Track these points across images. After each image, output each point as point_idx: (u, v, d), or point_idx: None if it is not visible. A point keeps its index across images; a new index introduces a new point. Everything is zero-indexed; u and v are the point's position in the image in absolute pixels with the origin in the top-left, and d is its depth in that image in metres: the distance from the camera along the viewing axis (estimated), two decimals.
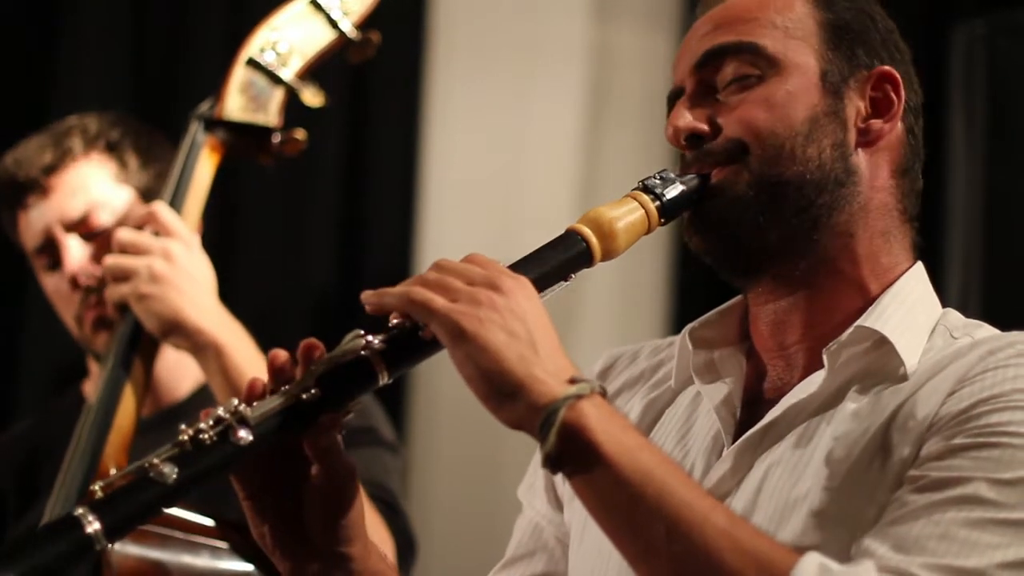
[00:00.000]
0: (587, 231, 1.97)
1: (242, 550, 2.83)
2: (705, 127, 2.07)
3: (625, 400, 2.24)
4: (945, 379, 1.94)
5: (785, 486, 1.97)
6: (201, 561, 2.79)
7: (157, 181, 3.18)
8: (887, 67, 2.11)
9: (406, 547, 3.04)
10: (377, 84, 4.60)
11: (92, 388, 3.27)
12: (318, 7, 2.97)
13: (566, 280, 1.96)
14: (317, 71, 3.02)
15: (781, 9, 2.11)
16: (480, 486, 4.67)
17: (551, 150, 4.83)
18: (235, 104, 2.96)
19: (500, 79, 4.84)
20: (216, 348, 2.84)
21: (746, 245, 2.06)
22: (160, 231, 2.88)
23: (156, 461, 1.78)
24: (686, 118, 2.08)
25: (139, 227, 2.91)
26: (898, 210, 2.12)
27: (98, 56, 4.54)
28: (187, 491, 1.80)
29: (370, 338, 1.85)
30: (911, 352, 2.01)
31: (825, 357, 2.01)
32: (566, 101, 4.83)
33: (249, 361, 2.86)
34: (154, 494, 1.77)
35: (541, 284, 1.91)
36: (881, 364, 2.01)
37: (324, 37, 2.99)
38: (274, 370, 1.91)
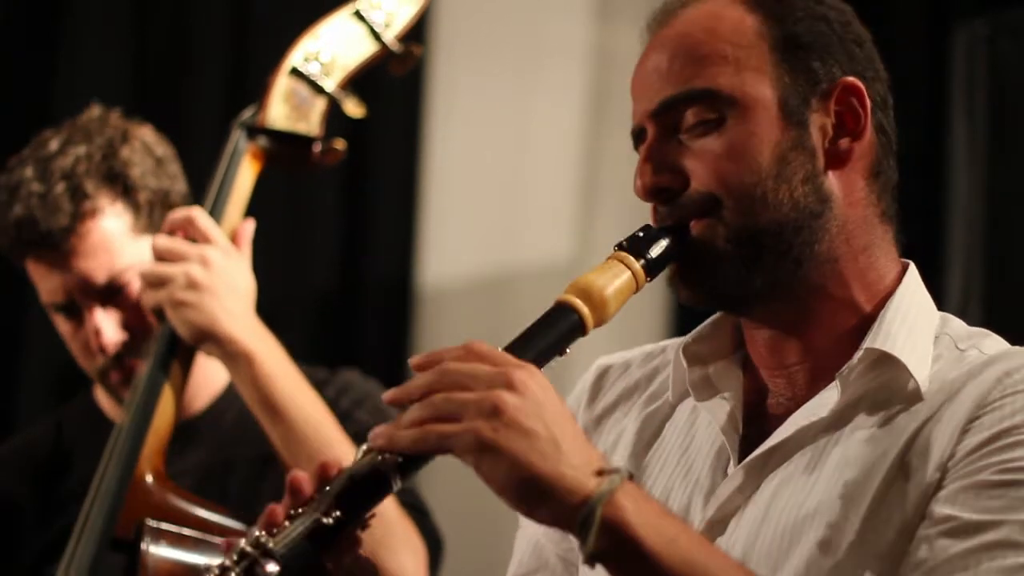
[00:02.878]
0: (578, 303, 1.95)
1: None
2: (670, 181, 2.04)
3: (623, 413, 2.22)
4: (963, 403, 1.93)
5: (795, 506, 1.96)
6: None
7: (168, 201, 3.10)
8: (848, 79, 2.05)
9: (435, 549, 3.05)
10: (378, 85, 4.58)
11: (103, 393, 3.25)
12: (361, 18, 2.97)
13: (562, 355, 1.95)
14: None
15: (731, 35, 2.04)
16: (481, 486, 4.67)
17: (552, 151, 4.83)
18: (278, 113, 2.94)
19: (501, 80, 4.85)
20: (247, 357, 2.83)
21: (733, 295, 2.05)
22: (198, 238, 2.86)
23: None
24: (650, 175, 2.05)
25: (173, 233, 2.89)
26: (876, 216, 2.08)
27: (98, 56, 4.51)
28: None
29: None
30: (921, 367, 1.99)
31: (838, 382, 2.00)
32: (567, 102, 4.84)
33: (280, 371, 2.86)
34: None
35: (539, 362, 1.90)
36: (890, 381, 2.00)
37: (366, 48, 2.98)
38: (291, 490, 1.90)
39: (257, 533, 1.83)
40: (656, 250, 2.02)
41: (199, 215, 2.89)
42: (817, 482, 1.96)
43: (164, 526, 2.78)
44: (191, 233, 2.87)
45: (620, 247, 2.02)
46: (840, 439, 1.98)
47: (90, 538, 2.80)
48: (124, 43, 4.56)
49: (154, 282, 2.85)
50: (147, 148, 3.10)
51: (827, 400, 2.01)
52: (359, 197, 4.70)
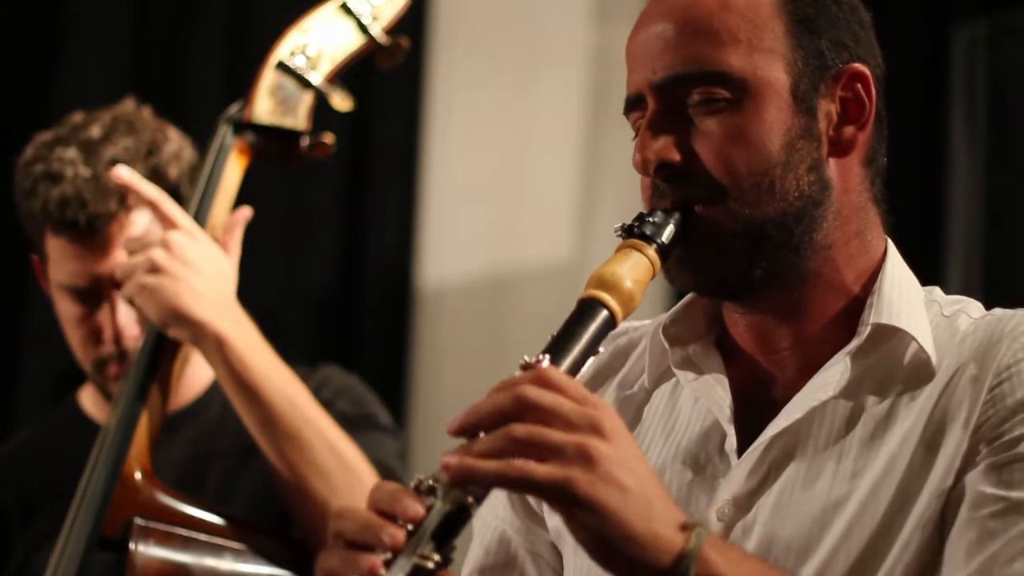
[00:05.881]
0: (607, 297, 1.89)
1: (263, 552, 2.83)
2: (677, 157, 1.96)
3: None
4: (978, 369, 1.91)
5: (822, 488, 1.93)
6: (225, 564, 2.79)
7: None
8: (856, 65, 2.00)
9: None
10: (379, 85, 4.59)
11: (88, 397, 3.24)
12: (348, 11, 2.96)
13: (595, 355, 1.88)
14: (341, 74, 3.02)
15: (745, 10, 1.98)
16: None
17: (552, 152, 4.83)
18: (264, 107, 2.93)
19: (501, 81, 4.84)
20: (217, 339, 2.79)
21: (732, 283, 2.00)
22: (163, 222, 2.83)
23: None
24: (655, 147, 1.96)
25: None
26: (869, 200, 2.04)
27: (98, 56, 4.52)
28: None
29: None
30: (926, 338, 1.96)
31: (848, 360, 1.96)
32: (567, 103, 4.83)
33: (253, 353, 2.82)
34: None
35: (579, 365, 1.84)
36: (889, 352, 1.97)
37: (354, 41, 2.97)
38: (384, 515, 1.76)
39: None
40: (666, 235, 1.94)
41: (163, 199, 2.85)
42: (840, 463, 1.93)
43: (152, 525, 2.77)
44: (156, 217, 2.85)
45: (629, 233, 1.95)
46: (856, 419, 1.95)
47: (78, 538, 2.78)
48: (124, 43, 4.57)
49: (125, 275, 2.84)
50: (181, 152, 3.09)
51: (830, 379, 1.97)
52: (359, 197, 4.70)
